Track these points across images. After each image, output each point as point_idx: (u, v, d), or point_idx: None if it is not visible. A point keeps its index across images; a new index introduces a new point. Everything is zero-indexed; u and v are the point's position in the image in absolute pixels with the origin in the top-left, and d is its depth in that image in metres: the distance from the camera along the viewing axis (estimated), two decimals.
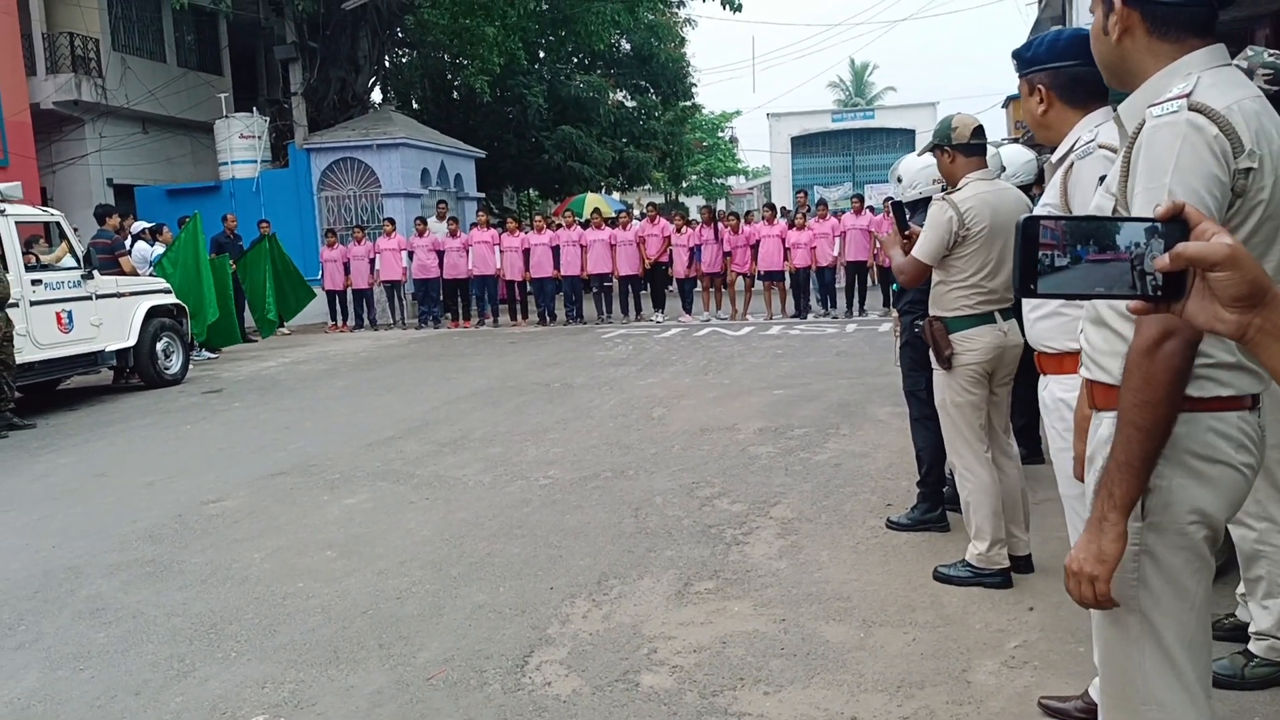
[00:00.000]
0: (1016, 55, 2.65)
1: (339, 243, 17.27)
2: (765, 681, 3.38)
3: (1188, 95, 1.66)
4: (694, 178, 48.15)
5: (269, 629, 4.10)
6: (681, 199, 47.93)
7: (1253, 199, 1.66)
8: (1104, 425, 1.84)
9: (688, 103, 33.46)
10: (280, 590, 4.54)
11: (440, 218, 17.54)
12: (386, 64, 24.31)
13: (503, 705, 3.32)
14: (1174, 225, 1.13)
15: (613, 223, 19.62)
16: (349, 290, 17.23)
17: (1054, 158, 2.41)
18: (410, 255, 16.80)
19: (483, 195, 23.55)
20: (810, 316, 15.69)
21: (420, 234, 16.85)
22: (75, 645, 4.05)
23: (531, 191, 30.70)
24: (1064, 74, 2.37)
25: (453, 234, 16.73)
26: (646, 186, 38.69)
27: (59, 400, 10.73)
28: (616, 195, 36.71)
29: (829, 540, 4.86)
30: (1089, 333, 1.93)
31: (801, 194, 19.79)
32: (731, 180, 60.08)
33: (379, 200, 18.85)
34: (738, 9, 21.75)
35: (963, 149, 4.03)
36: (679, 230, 16.23)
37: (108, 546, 5.35)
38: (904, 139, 38.66)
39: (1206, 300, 1.07)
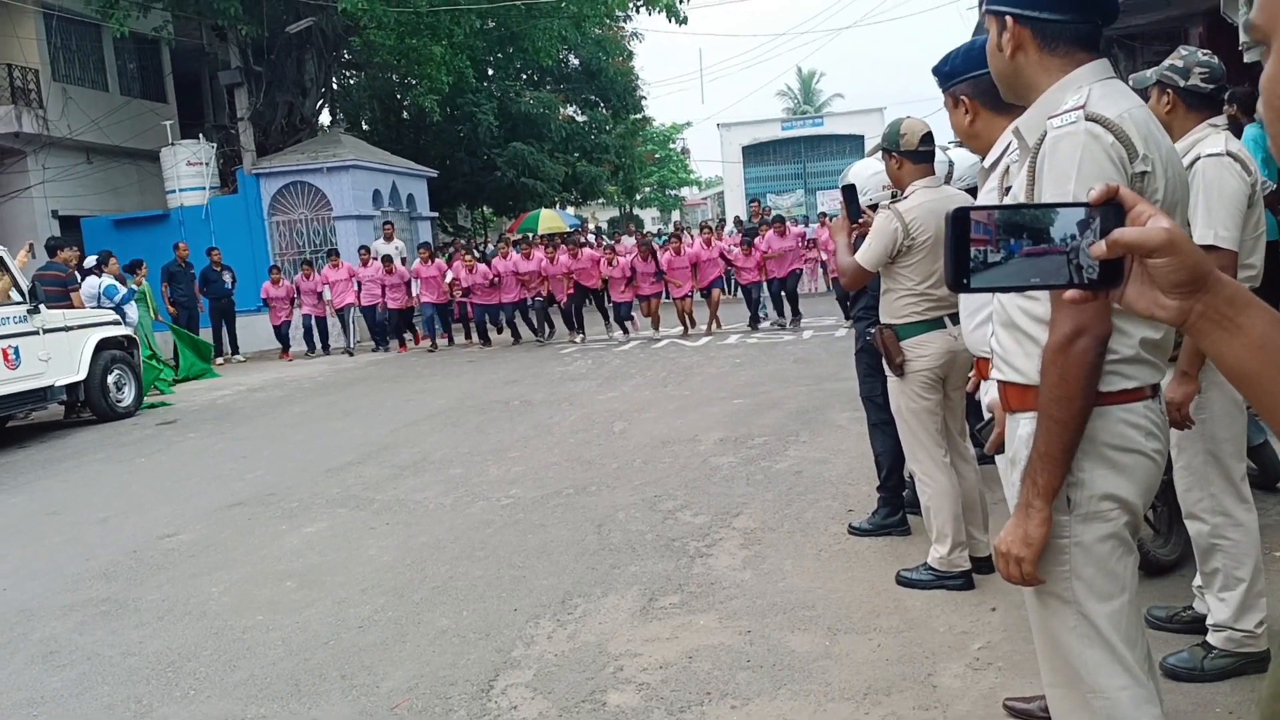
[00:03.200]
0: (936, 71, 2.71)
1: (284, 278, 17.08)
2: (732, 695, 3.37)
3: (1082, 106, 1.77)
4: (647, 190, 48.27)
5: (228, 664, 4.03)
6: (635, 211, 48.02)
7: (1148, 200, 1.72)
8: (1021, 425, 1.94)
9: (638, 116, 33.57)
10: (239, 624, 4.46)
11: (388, 239, 17.44)
12: (334, 86, 24.14)
13: None
14: (1109, 210, 1.12)
15: (561, 240, 19.71)
16: (311, 317, 16.99)
17: (985, 163, 2.44)
18: (359, 283, 16.61)
19: (436, 215, 23.44)
20: (765, 324, 15.35)
21: (365, 263, 16.62)
22: (28, 691, 3.96)
23: (485, 209, 30.62)
24: (985, 80, 2.36)
25: (424, 261, 16.48)
26: (600, 200, 38.75)
27: (9, 438, 10.51)
28: (571, 210, 36.72)
29: (792, 549, 4.86)
30: (1000, 335, 2.02)
31: (755, 203, 19.92)
32: (685, 191, 60.32)
33: (330, 223, 18.69)
34: (683, 22, 21.83)
35: (910, 155, 4.06)
36: (610, 263, 15.41)
37: (61, 587, 5.23)
38: (853, 145, 39.05)
39: (1146, 286, 1.07)
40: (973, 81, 2.56)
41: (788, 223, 16.04)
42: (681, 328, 15.53)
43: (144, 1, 17.93)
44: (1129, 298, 1.09)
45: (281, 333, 17.00)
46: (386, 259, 16.61)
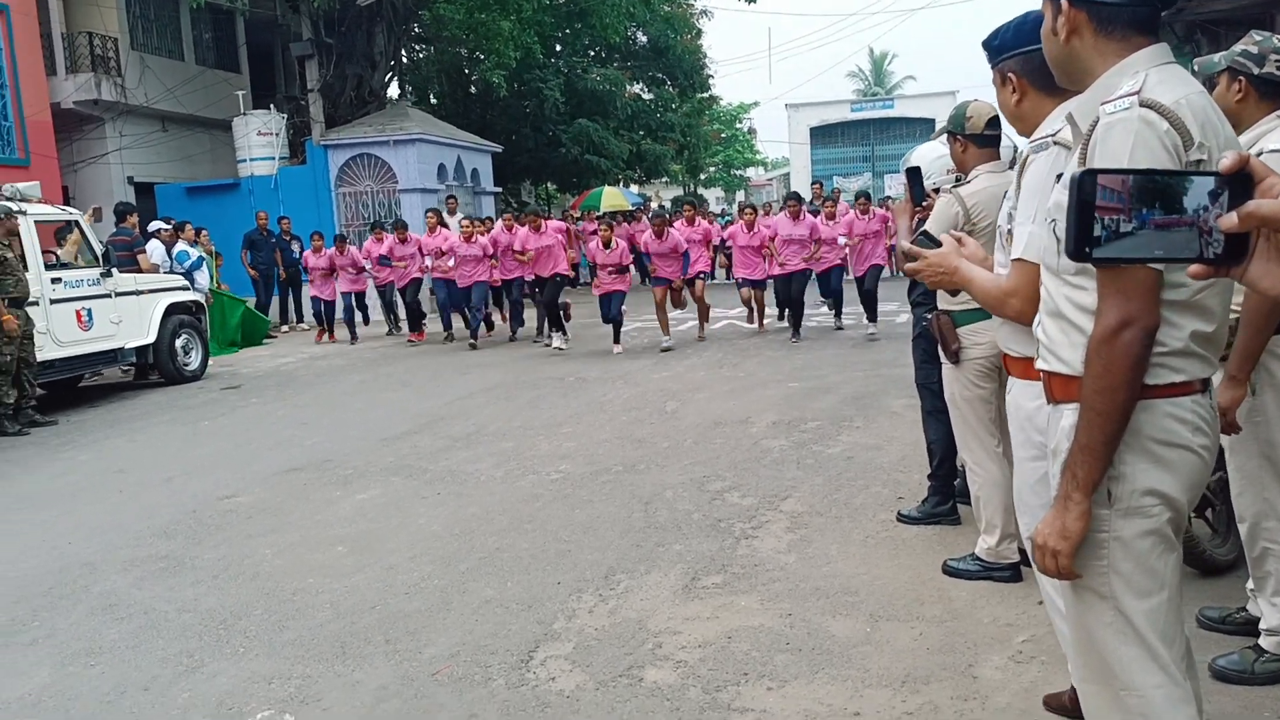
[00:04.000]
0: (985, 45, 2.60)
1: (325, 247, 14.84)
2: (769, 677, 3.37)
3: (1137, 92, 1.72)
4: (712, 170, 48.02)
5: (278, 625, 4.13)
6: (700, 191, 47.83)
7: None
8: (1065, 416, 1.90)
9: (705, 94, 33.36)
10: (290, 586, 4.56)
11: (450, 212, 17.52)
12: (403, 59, 24.34)
13: (506, 701, 3.32)
14: (1238, 180, 1.07)
15: (629, 216, 19.49)
16: (352, 295, 15.05)
17: (1028, 147, 2.39)
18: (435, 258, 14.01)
19: (499, 189, 23.57)
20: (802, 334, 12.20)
21: (432, 230, 13.82)
22: (87, 641, 4.09)
23: (550, 185, 30.72)
24: (1035, 58, 2.27)
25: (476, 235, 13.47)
26: (664, 179, 38.65)
27: (80, 397, 10.82)
28: (635, 188, 36.71)
29: (838, 534, 4.84)
30: (1046, 324, 1.97)
31: (817, 184, 19.69)
32: (750, 171, 59.92)
33: (395, 196, 18.88)
34: (752, 0, 21.63)
35: (975, 139, 3.98)
36: (607, 244, 11.96)
37: (123, 543, 5.39)
38: (924, 128, 38.40)
39: (1273, 264, 1.02)
40: (1022, 58, 2.44)
41: (871, 203, 12.99)
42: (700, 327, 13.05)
43: None
44: (1252, 275, 1.05)
45: (320, 308, 15.02)
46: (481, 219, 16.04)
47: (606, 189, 26.38)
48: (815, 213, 13.21)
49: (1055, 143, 2.26)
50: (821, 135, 43.44)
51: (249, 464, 7.12)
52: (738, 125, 53.56)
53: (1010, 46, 2.49)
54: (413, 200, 18.59)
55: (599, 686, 3.38)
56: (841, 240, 12.26)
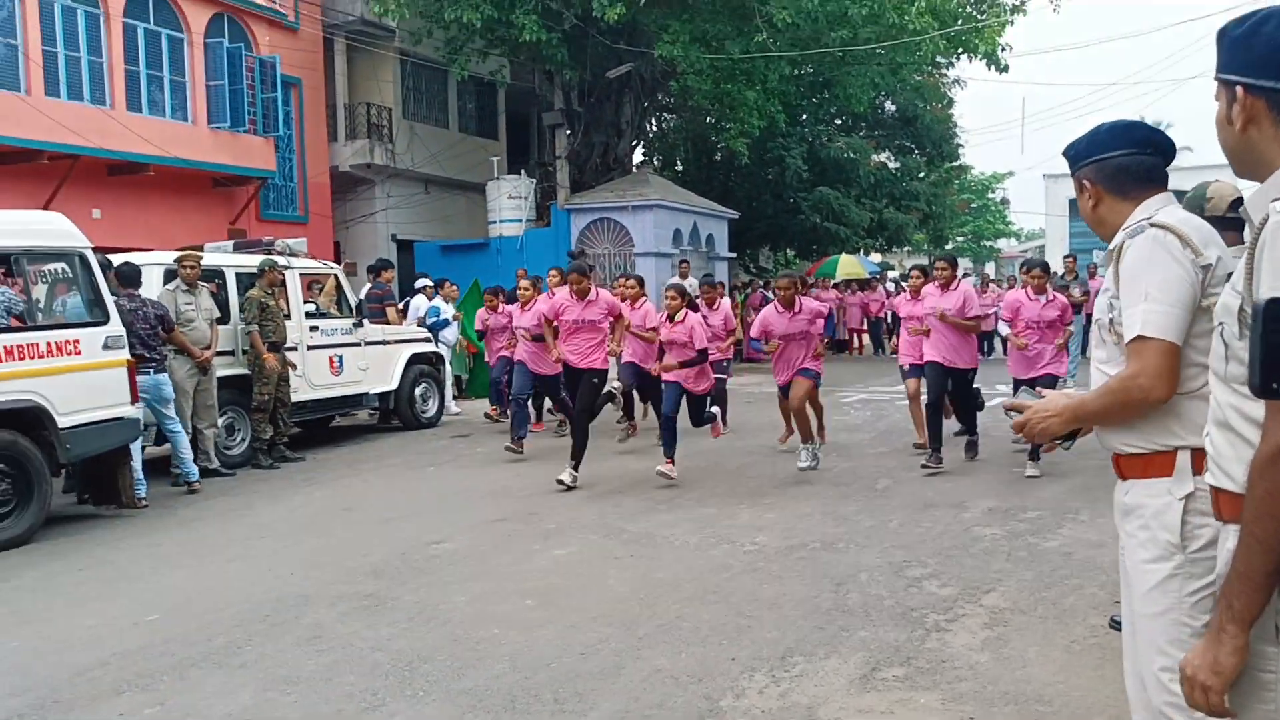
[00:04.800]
0: (1064, 154, 2.52)
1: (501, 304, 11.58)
2: None
3: None
4: (960, 240, 46.66)
5: (458, 672, 4.25)
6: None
7: None
8: (1230, 538, 1.70)
9: (954, 163, 32.58)
10: (476, 634, 4.70)
11: (682, 276, 17.79)
12: (650, 128, 25.21)
13: None
14: None
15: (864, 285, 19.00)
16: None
17: (1120, 239, 2.20)
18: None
19: (734, 255, 23.82)
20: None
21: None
22: (289, 669, 4.36)
23: (788, 251, 30.76)
24: (1108, 165, 2.27)
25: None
26: (907, 249, 37.86)
27: (330, 436, 11.68)
28: (876, 257, 36.14)
29: (1041, 635, 4.50)
30: (1214, 436, 1.78)
31: (1070, 258, 18.64)
32: (1001, 243, 57.82)
33: (631, 259, 19.46)
34: (1004, 70, 21.01)
35: (1216, 222, 3.67)
36: (672, 317, 8.55)
37: (336, 578, 5.74)
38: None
39: None
40: (1095, 166, 2.37)
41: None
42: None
43: (485, 49, 19.56)
44: None
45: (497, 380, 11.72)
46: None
47: (843, 257, 26.11)
48: (1063, 288, 12.03)
49: (1153, 225, 2.13)
50: None
51: (462, 511, 7.44)
52: (990, 195, 51.91)
53: (1084, 156, 2.40)
54: (647, 264, 19.08)
55: None
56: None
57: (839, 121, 28.25)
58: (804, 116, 26.31)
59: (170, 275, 9.12)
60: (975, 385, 8.95)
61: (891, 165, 30.09)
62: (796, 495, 7.63)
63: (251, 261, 10.03)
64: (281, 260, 10.18)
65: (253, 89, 17.50)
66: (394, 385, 11.69)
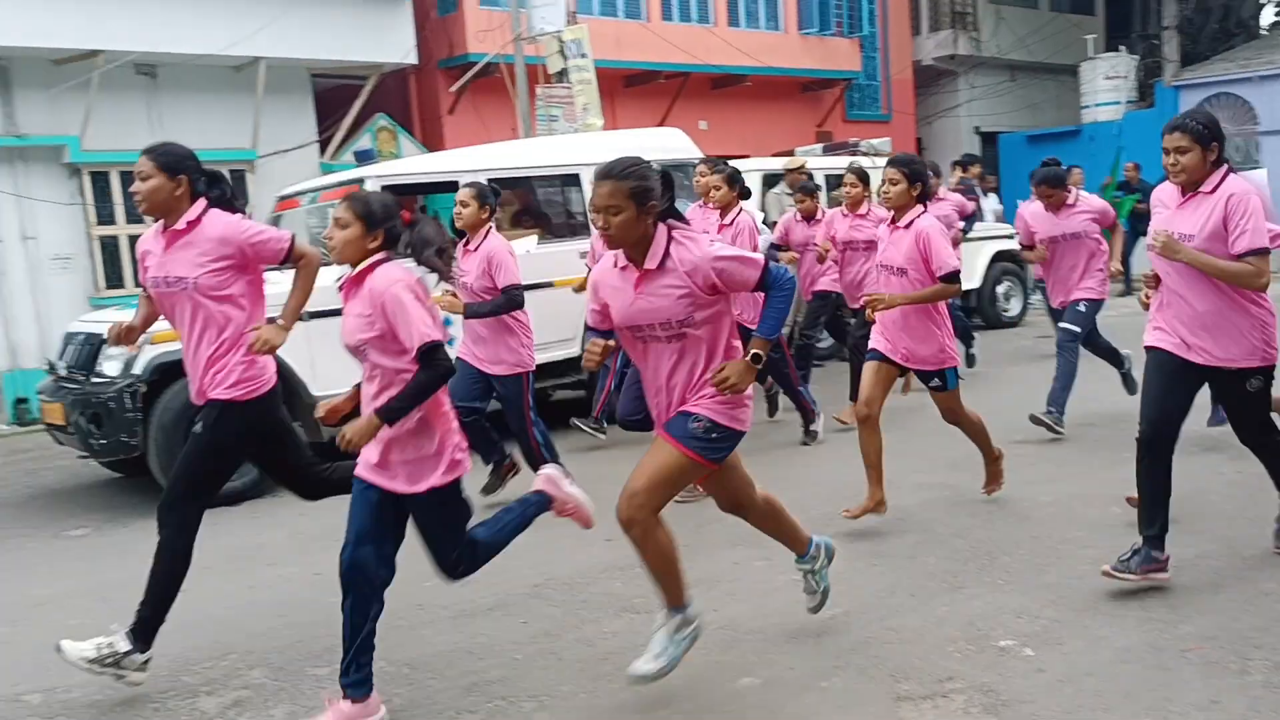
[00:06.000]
0: None
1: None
2: None
3: None
4: None
5: (1039, 567, 4.33)
6: None
7: None
8: None
9: None
10: (1058, 534, 4.71)
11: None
12: None
13: (1257, 698, 3.10)
14: None
15: None
16: None
17: None
18: None
19: None
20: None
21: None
22: (876, 544, 4.74)
23: None
24: None
25: None
26: None
27: None
28: None
29: None
30: None
31: None
32: None
33: (1254, 139, 17.03)
34: None
35: None
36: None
37: (917, 468, 6.00)
38: None
39: None
40: None
41: None
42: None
43: None
44: None
45: None
46: None
47: None
48: None
49: None
50: None
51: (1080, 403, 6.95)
52: None
53: None
54: (1273, 144, 16.60)
55: None
56: None
57: None
58: None
59: (770, 180, 9.90)
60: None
61: None
62: None
63: (840, 163, 10.51)
64: (868, 161, 10.52)
65: None
66: (977, 283, 11.62)
